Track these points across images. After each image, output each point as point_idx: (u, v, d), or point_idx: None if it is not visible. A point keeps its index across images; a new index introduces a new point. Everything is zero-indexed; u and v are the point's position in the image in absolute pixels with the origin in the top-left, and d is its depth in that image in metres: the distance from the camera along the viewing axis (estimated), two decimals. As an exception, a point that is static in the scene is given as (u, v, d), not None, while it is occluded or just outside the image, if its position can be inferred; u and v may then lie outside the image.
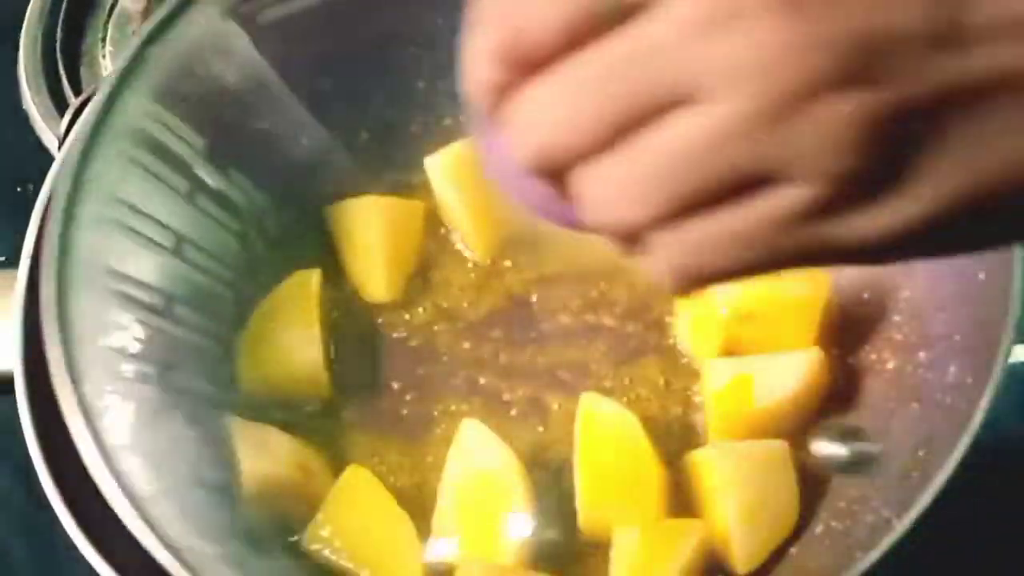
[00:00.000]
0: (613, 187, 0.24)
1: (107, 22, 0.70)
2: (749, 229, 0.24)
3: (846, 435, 0.43)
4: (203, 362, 0.52)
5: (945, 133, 0.23)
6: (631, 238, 0.25)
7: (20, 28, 0.70)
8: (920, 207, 0.23)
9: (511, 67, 0.25)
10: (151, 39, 0.50)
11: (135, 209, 0.50)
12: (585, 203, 0.25)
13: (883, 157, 0.23)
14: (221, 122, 0.53)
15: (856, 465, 0.43)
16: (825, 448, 0.43)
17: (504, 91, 0.25)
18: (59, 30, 0.69)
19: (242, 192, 0.55)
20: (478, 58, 0.25)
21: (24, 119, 0.68)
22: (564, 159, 0.25)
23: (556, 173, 0.25)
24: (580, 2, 0.24)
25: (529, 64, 0.24)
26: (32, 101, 0.67)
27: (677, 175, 0.23)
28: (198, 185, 0.53)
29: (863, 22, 0.22)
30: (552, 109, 0.24)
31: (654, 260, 0.25)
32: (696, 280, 0.25)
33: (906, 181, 0.23)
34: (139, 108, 0.50)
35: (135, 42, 0.50)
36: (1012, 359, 0.43)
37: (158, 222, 0.51)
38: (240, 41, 0.53)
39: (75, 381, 0.44)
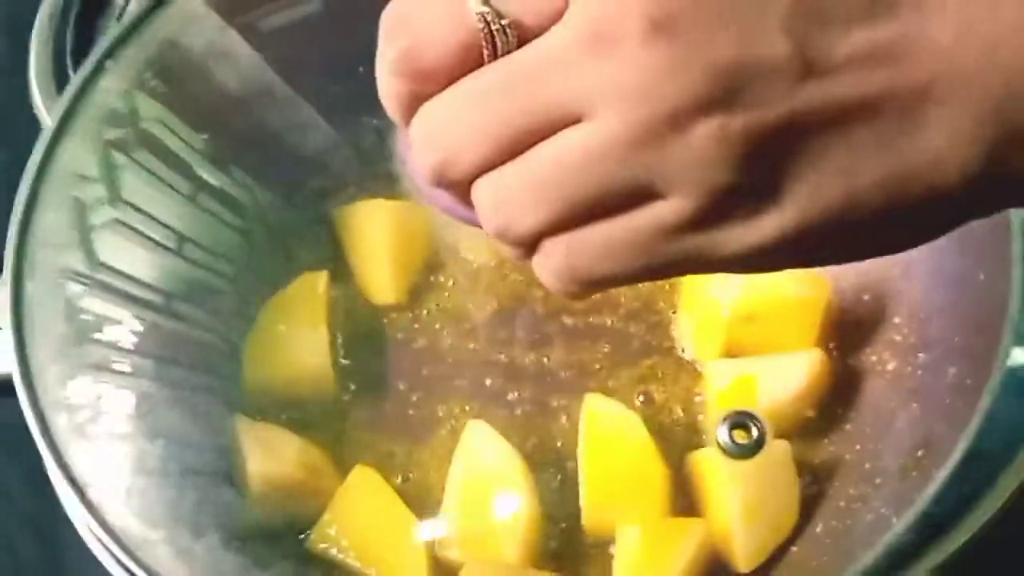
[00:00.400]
0: (505, 196, 0.26)
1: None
2: (633, 237, 0.26)
3: (739, 423, 0.45)
4: (206, 357, 0.53)
5: (810, 153, 0.24)
6: (525, 244, 0.27)
7: (31, 31, 0.70)
8: (789, 220, 0.25)
9: (411, 79, 0.26)
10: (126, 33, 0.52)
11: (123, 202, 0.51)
12: (481, 211, 0.27)
13: (751, 173, 0.25)
14: (223, 122, 0.54)
15: (746, 448, 0.44)
16: (722, 435, 0.44)
17: (409, 102, 0.27)
18: (70, 33, 0.70)
19: (246, 190, 0.56)
20: (382, 69, 0.27)
21: (35, 121, 0.68)
22: (460, 173, 0.27)
23: (456, 184, 0.27)
24: (469, 25, 0.26)
25: (428, 77, 0.26)
26: (43, 104, 0.68)
27: (564, 185, 0.25)
28: (199, 183, 0.54)
29: (731, 50, 0.24)
30: (447, 125, 0.26)
31: (545, 264, 0.27)
32: (584, 283, 0.27)
33: (775, 196, 0.25)
34: (114, 99, 0.51)
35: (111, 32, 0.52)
36: (1011, 361, 0.43)
37: (150, 216, 0.52)
38: (242, 46, 0.53)
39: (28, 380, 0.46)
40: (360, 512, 0.50)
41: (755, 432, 0.44)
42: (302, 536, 0.49)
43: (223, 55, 0.53)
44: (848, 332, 0.52)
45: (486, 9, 0.25)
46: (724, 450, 0.44)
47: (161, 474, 0.49)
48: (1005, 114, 0.24)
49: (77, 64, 0.68)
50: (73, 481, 0.45)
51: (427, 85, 0.26)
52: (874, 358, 0.51)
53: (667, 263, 0.26)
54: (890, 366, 0.50)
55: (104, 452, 0.47)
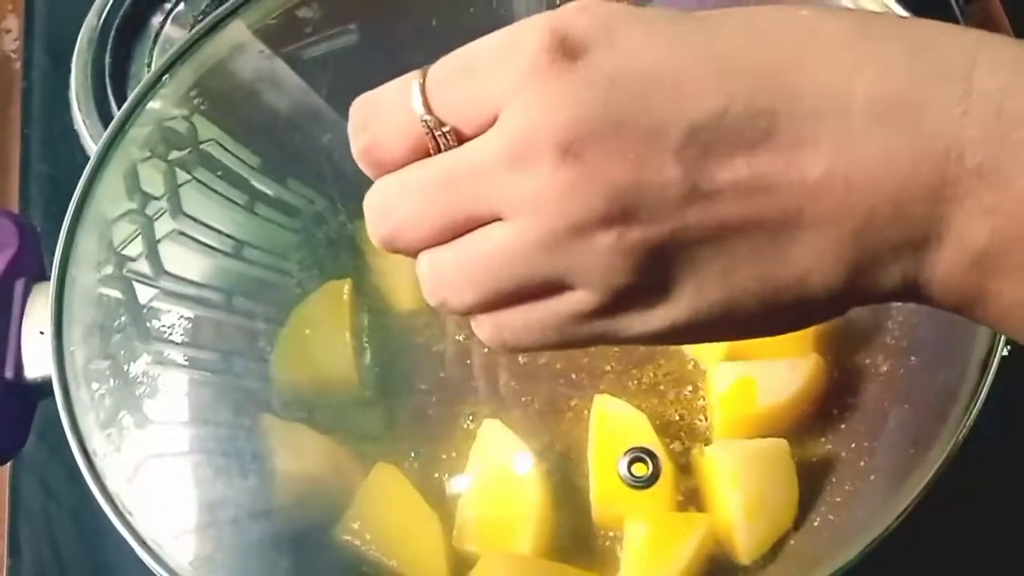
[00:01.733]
0: (440, 278, 0.31)
1: (152, 48, 0.73)
2: (548, 320, 0.30)
3: (637, 458, 0.48)
4: (242, 356, 0.55)
5: (694, 260, 0.28)
6: (461, 314, 0.31)
7: (72, 54, 0.73)
8: (680, 312, 0.29)
9: (372, 167, 0.31)
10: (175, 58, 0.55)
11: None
12: (422, 283, 0.31)
13: (645, 276, 0.29)
14: (273, 139, 0.57)
15: (642, 481, 0.48)
16: (622, 468, 0.48)
17: (377, 175, 0.32)
18: (108, 56, 0.72)
19: (302, 197, 0.58)
20: (353, 151, 0.32)
21: (75, 138, 0.71)
22: (403, 245, 0.31)
23: (402, 252, 0.31)
24: (415, 131, 0.30)
25: (385, 167, 0.31)
26: (83, 122, 0.70)
27: (487, 278, 0.30)
28: (254, 194, 0.56)
29: (629, 175, 0.27)
30: (394, 206, 0.31)
31: (478, 331, 0.32)
32: (511, 351, 0.32)
33: (667, 294, 0.29)
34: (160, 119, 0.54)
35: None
36: (998, 363, 0.45)
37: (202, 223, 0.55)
38: (287, 72, 0.56)
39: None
40: (382, 507, 0.51)
41: (651, 467, 0.48)
42: (327, 530, 0.51)
43: (270, 80, 0.56)
44: (843, 337, 0.52)
45: (429, 118, 0.30)
46: (624, 481, 0.48)
47: (192, 473, 0.51)
48: (864, 241, 0.28)
49: (115, 85, 0.72)
50: (99, 478, 0.47)
51: (386, 171, 0.31)
52: (868, 361, 0.52)
53: (580, 340, 0.31)
54: (883, 369, 0.51)
55: (135, 452, 0.49)
